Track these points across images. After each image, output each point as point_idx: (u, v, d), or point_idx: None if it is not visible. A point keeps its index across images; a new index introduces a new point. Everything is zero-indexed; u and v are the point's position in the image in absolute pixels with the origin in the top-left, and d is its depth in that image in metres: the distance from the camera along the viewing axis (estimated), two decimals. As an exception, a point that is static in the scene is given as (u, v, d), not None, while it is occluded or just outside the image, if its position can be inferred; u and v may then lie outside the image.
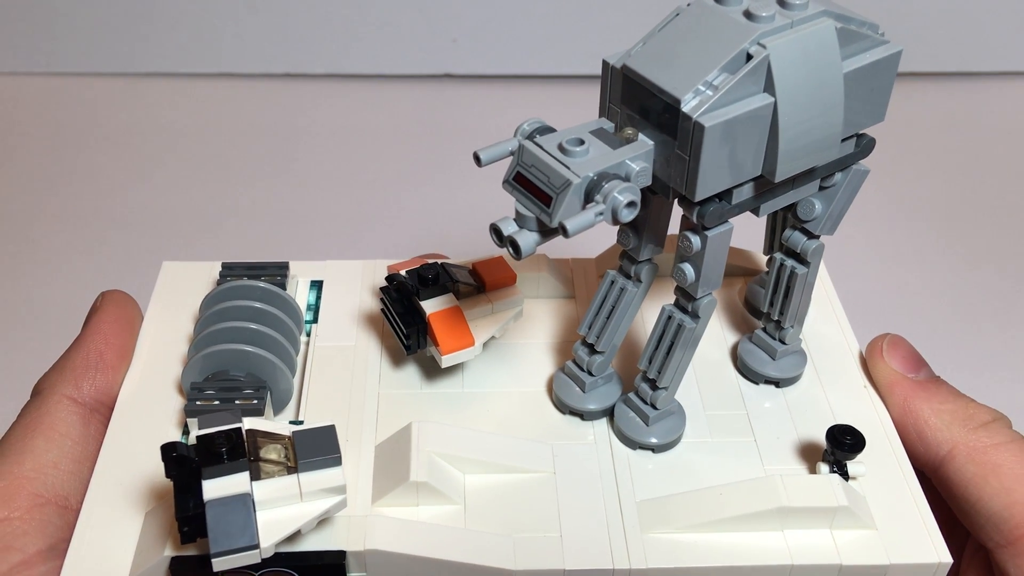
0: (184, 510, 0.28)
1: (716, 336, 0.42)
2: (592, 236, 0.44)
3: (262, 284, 0.39)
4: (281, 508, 0.30)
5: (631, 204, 0.28)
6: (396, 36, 0.91)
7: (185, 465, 0.29)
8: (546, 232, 0.29)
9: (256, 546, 0.28)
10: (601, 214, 0.28)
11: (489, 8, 0.90)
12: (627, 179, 0.30)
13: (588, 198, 0.29)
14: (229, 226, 0.79)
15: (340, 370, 0.39)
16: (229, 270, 0.42)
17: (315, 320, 0.42)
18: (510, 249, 0.29)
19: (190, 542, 0.29)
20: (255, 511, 0.29)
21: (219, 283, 0.41)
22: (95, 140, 0.87)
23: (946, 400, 0.37)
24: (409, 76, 0.93)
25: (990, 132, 0.89)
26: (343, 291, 0.43)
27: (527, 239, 0.29)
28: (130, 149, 0.87)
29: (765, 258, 0.43)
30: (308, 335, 0.41)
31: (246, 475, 0.29)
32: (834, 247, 0.55)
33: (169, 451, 0.28)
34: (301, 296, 0.43)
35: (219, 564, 0.28)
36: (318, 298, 0.43)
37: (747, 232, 0.46)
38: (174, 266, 0.44)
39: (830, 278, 0.45)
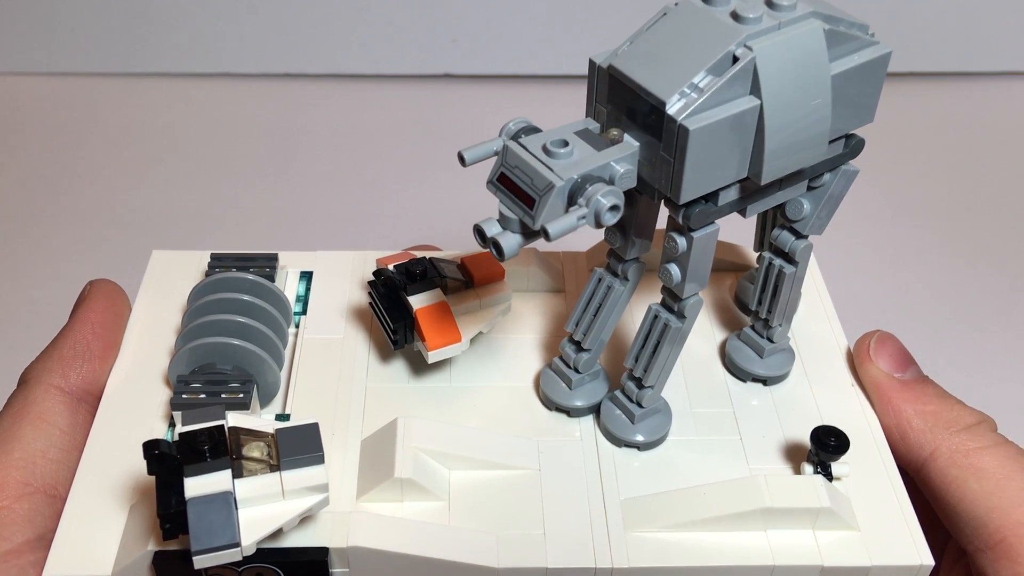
0: (166, 507, 0.28)
1: (705, 333, 0.42)
2: (583, 230, 0.44)
3: (250, 276, 0.39)
4: (263, 506, 0.30)
5: (614, 208, 0.28)
6: (396, 36, 0.91)
7: (167, 462, 0.29)
8: (529, 234, 0.29)
9: (237, 544, 0.28)
10: (584, 217, 0.28)
11: (489, 8, 0.90)
12: (611, 182, 0.30)
13: (571, 200, 0.29)
14: (229, 226, 0.79)
15: (328, 363, 0.39)
16: (218, 261, 0.42)
17: (304, 311, 0.42)
18: (493, 250, 0.29)
19: (172, 539, 0.29)
20: (237, 509, 0.29)
21: (208, 274, 0.41)
22: (95, 140, 0.88)
23: (930, 401, 0.37)
24: (409, 76, 0.93)
25: (990, 132, 0.89)
26: (333, 283, 0.43)
27: (510, 241, 0.29)
28: (130, 149, 0.87)
29: (756, 254, 0.43)
30: (297, 327, 0.41)
31: (228, 473, 0.29)
32: (832, 247, 0.55)
33: (151, 449, 0.29)
34: (291, 287, 0.43)
35: (200, 562, 0.28)
36: (308, 289, 0.43)
37: (738, 227, 0.46)
38: (164, 255, 0.44)
39: (823, 277, 0.45)
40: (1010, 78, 0.94)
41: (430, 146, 0.87)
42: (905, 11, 0.90)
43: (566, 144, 0.29)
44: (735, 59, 0.29)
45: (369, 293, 0.39)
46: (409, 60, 0.92)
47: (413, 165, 0.85)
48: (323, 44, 0.91)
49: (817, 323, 0.43)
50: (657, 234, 0.35)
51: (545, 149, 0.29)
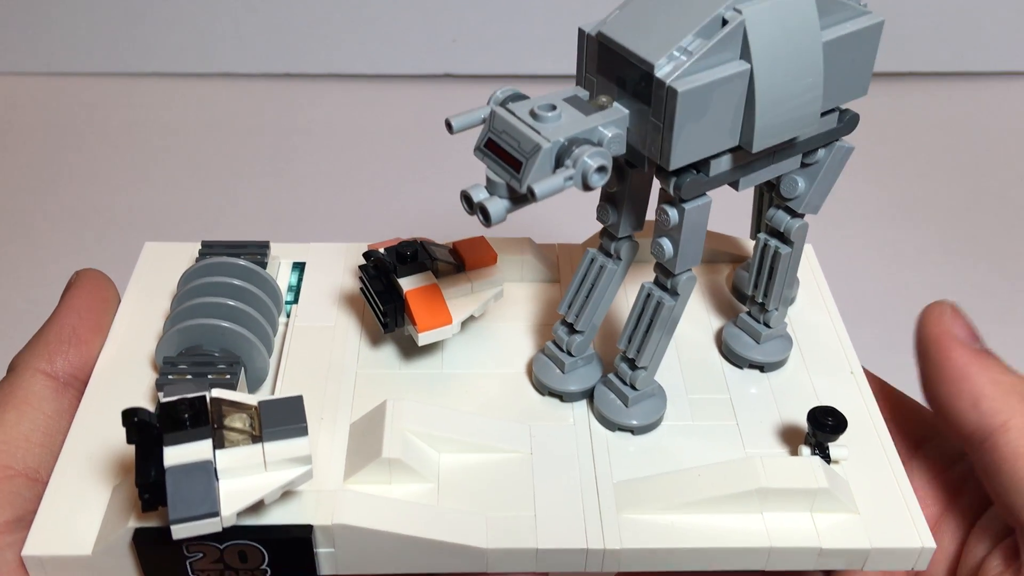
0: (145, 477, 0.28)
1: (701, 320, 0.42)
2: (580, 222, 0.43)
3: (241, 262, 0.39)
4: (244, 477, 0.29)
5: (601, 169, 0.28)
6: (396, 36, 0.91)
7: (147, 431, 0.28)
8: (516, 199, 0.29)
9: (216, 514, 0.27)
10: (571, 178, 0.28)
11: (489, 8, 0.90)
12: (599, 145, 0.29)
13: (559, 163, 0.28)
14: (229, 227, 0.79)
15: (318, 349, 0.39)
16: (209, 248, 0.41)
17: (296, 301, 0.41)
18: (480, 216, 0.29)
19: (151, 510, 0.29)
20: (217, 479, 0.28)
21: (198, 260, 0.40)
22: (94, 140, 0.88)
23: (1005, 372, 0.36)
24: (409, 76, 0.93)
25: (990, 132, 0.89)
26: (325, 273, 0.43)
27: (497, 206, 0.28)
28: (129, 149, 0.87)
29: (752, 244, 0.42)
30: (288, 315, 0.41)
31: (208, 442, 0.28)
32: (832, 247, 0.54)
33: (130, 416, 0.28)
34: (283, 278, 0.42)
35: (178, 532, 0.27)
36: (300, 280, 0.42)
37: (735, 220, 0.45)
38: (156, 246, 0.44)
39: (823, 272, 0.44)
40: (1010, 78, 0.94)
41: (430, 146, 0.86)
42: (905, 11, 0.89)
43: (554, 108, 0.29)
44: (724, 22, 0.29)
45: (360, 277, 0.38)
46: (409, 60, 0.92)
47: (413, 165, 0.85)
48: (323, 44, 0.91)
49: (815, 310, 0.42)
50: (648, 224, 0.35)
51: (533, 113, 0.29)
